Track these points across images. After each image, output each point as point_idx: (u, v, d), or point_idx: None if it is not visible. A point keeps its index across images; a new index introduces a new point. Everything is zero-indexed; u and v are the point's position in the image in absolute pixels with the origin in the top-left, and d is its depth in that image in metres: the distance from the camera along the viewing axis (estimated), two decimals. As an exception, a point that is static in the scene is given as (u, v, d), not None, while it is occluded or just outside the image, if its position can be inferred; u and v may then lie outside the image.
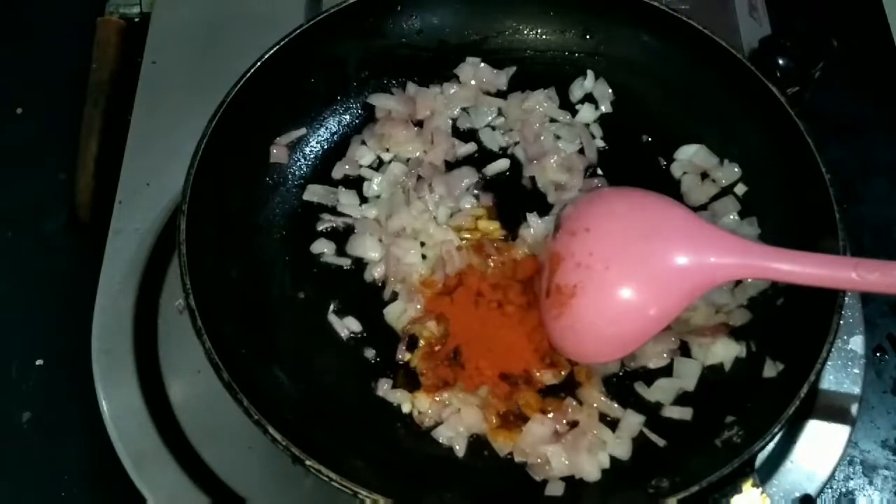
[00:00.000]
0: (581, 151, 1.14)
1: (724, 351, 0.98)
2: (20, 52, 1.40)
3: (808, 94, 1.17)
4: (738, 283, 1.02)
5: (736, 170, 1.10)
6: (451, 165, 1.13)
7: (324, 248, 1.07)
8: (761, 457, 0.98)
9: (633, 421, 0.94)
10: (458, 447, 0.94)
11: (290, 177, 1.11)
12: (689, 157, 1.12)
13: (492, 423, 0.95)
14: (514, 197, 1.11)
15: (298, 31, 1.07)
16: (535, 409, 0.95)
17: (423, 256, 1.06)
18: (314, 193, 1.10)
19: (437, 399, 0.96)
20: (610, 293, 0.88)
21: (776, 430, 0.84)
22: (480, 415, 0.95)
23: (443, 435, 0.95)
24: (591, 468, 0.91)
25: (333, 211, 1.10)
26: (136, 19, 1.34)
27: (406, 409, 0.97)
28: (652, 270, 0.87)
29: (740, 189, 1.09)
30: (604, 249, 0.89)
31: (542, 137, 1.14)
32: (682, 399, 0.97)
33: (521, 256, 1.05)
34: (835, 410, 1.01)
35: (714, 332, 0.99)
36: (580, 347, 0.92)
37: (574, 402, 0.96)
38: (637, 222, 0.90)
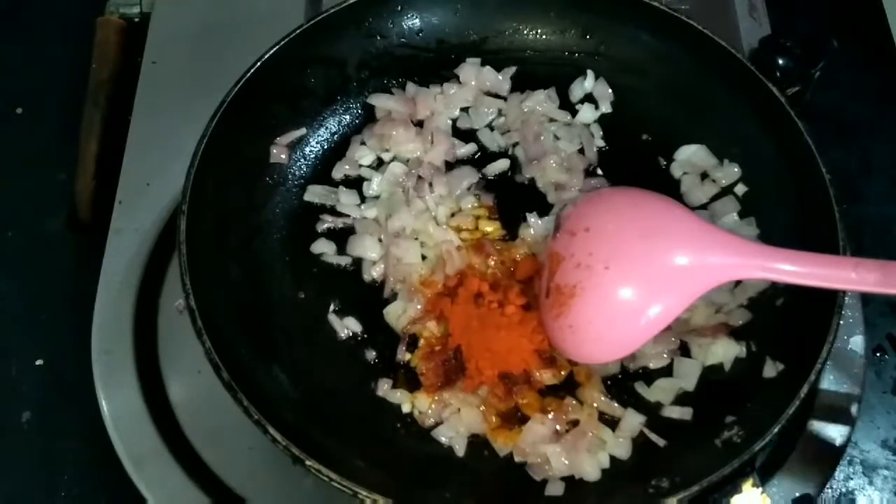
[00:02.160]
0: (581, 151, 1.14)
1: (724, 351, 0.98)
2: (20, 52, 1.40)
3: (808, 94, 1.17)
4: (738, 283, 1.01)
5: (736, 170, 1.10)
6: (451, 165, 1.13)
7: (324, 248, 1.07)
8: (761, 457, 0.98)
9: (633, 421, 0.95)
10: (458, 447, 0.94)
11: (290, 177, 1.11)
12: (689, 157, 1.12)
13: (492, 423, 0.95)
14: (514, 197, 1.11)
15: (298, 31, 1.07)
16: (535, 409, 0.95)
17: (423, 256, 1.06)
18: (314, 193, 1.10)
19: (437, 399, 0.96)
20: (610, 293, 0.88)
21: (776, 430, 0.84)
22: (480, 415, 0.95)
23: (443, 435, 0.95)
24: (591, 468, 0.91)
25: (333, 211, 1.10)
26: (136, 19, 1.34)
27: (406, 409, 0.97)
28: (652, 270, 0.87)
29: (740, 189, 1.09)
30: (604, 249, 0.89)
31: (542, 137, 1.14)
32: (682, 399, 0.97)
33: (521, 256, 1.05)
34: (835, 410, 1.01)
35: (714, 332, 0.99)
36: (580, 347, 0.92)
37: (574, 402, 0.96)
38: (637, 222, 0.90)
